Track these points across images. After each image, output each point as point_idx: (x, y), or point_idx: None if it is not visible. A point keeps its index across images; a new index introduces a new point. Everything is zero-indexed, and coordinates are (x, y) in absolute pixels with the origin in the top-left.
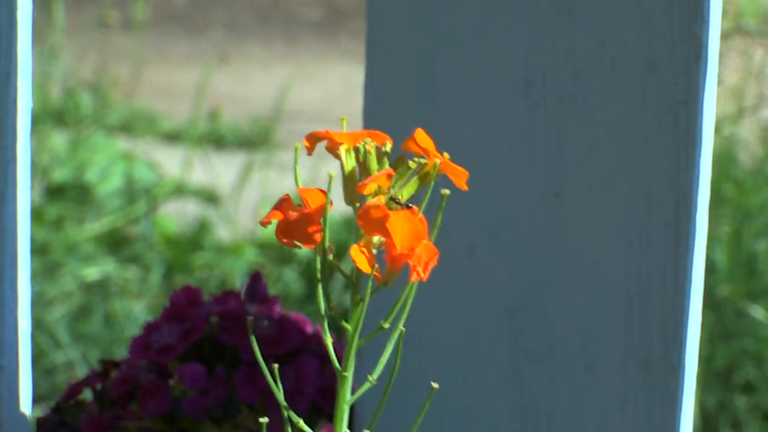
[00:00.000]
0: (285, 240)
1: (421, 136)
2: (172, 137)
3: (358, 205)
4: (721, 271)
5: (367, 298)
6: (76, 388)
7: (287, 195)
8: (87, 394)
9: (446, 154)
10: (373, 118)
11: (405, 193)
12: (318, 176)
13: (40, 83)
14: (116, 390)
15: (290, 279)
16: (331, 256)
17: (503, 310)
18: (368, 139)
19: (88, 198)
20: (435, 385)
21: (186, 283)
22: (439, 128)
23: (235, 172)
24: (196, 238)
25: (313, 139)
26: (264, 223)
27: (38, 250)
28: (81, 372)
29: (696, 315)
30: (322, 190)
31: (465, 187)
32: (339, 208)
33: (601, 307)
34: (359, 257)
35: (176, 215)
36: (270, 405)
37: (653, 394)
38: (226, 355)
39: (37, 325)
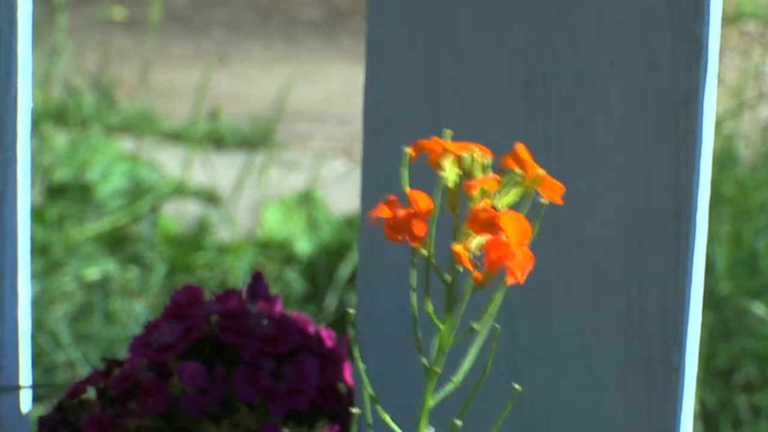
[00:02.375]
0: (392, 235)
1: (521, 151)
2: (172, 137)
3: (458, 211)
4: (722, 270)
5: (467, 298)
6: (79, 387)
7: (393, 196)
8: (90, 393)
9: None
10: (373, 118)
11: (503, 203)
12: (318, 176)
13: (41, 83)
14: (116, 388)
15: (291, 279)
16: (432, 258)
17: (502, 309)
18: (476, 149)
19: (88, 198)
20: (518, 387)
21: (187, 283)
22: (439, 128)
23: (235, 172)
24: (196, 238)
25: (419, 148)
26: (372, 218)
27: (39, 250)
28: (82, 372)
29: (696, 315)
30: (428, 196)
31: (560, 201)
32: (340, 208)
33: (601, 306)
34: (464, 256)
35: (177, 215)
36: (270, 404)
37: (653, 394)
38: (227, 354)
39: (38, 325)
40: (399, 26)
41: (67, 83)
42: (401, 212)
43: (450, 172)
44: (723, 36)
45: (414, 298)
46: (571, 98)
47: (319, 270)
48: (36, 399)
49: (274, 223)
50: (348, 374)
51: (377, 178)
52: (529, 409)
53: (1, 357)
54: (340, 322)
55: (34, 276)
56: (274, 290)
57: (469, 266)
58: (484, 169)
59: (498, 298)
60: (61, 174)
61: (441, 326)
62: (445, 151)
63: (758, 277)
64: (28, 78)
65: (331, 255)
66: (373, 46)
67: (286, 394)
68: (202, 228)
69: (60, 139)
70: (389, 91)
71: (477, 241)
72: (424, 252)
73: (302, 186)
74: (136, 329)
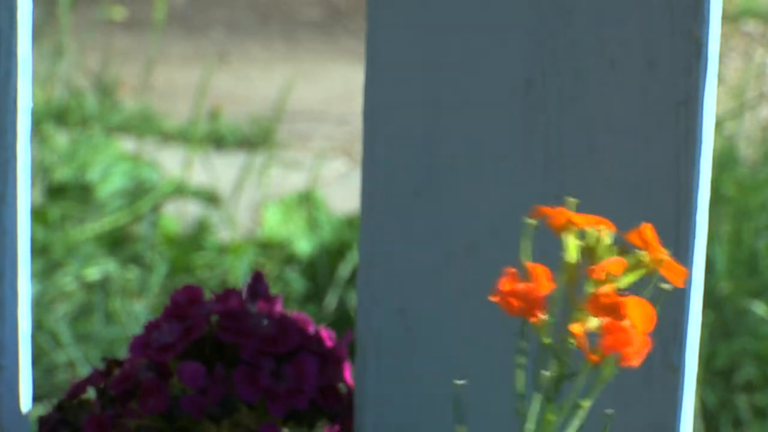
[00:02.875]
0: (510, 307)
1: (647, 231)
2: (172, 137)
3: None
4: (722, 270)
5: (582, 378)
6: (79, 387)
7: (512, 269)
8: (90, 393)
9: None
10: (373, 118)
11: (624, 282)
12: (318, 176)
13: (42, 83)
14: (116, 388)
15: (291, 279)
16: (548, 339)
17: (503, 311)
18: (603, 227)
19: (89, 198)
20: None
21: (187, 283)
22: (439, 128)
23: (235, 172)
24: (196, 238)
25: (541, 215)
26: (496, 298)
27: (39, 250)
28: (82, 372)
29: (696, 315)
30: (547, 269)
31: (682, 285)
32: (340, 208)
33: None
34: (581, 336)
35: (177, 215)
36: (270, 404)
37: (653, 394)
38: (227, 354)
39: (38, 325)
40: (399, 26)
41: (69, 83)
42: (521, 286)
43: (572, 249)
44: (723, 36)
45: (521, 374)
46: (571, 98)
47: (320, 270)
48: (36, 399)
49: (274, 223)
50: (348, 374)
51: (377, 178)
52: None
53: (1, 357)
54: (340, 322)
55: (35, 276)
56: (274, 290)
57: (585, 348)
58: (607, 247)
59: (606, 377)
60: (62, 174)
61: (549, 403)
62: (569, 222)
63: (758, 276)
64: (28, 78)
65: (331, 255)
66: (373, 46)
67: (286, 394)
68: (202, 228)
69: (61, 139)
70: (389, 91)
71: (594, 321)
72: (542, 331)
73: (302, 186)
74: (136, 329)
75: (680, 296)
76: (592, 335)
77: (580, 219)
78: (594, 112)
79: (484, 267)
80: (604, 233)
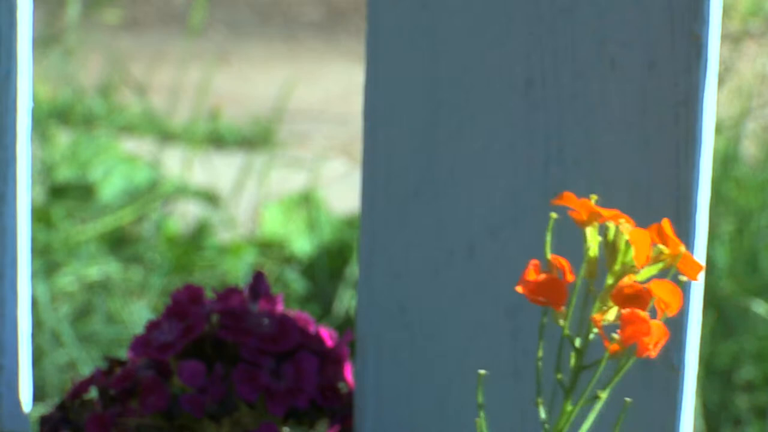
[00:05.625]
0: (533, 297)
1: (666, 226)
2: (173, 137)
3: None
4: (723, 269)
5: (601, 367)
6: (81, 387)
7: (536, 260)
8: (92, 393)
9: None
10: (373, 118)
11: (643, 276)
12: (318, 176)
13: (45, 83)
14: (116, 387)
15: (291, 279)
16: (567, 329)
17: (503, 310)
18: (623, 221)
19: (90, 198)
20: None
21: (188, 282)
22: (439, 128)
23: (235, 172)
24: (196, 238)
25: (569, 200)
26: (521, 287)
27: (40, 250)
28: (83, 371)
29: (696, 314)
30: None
31: (697, 279)
32: (340, 208)
33: None
34: (601, 324)
35: (177, 215)
36: (269, 402)
37: (653, 394)
38: (227, 353)
39: (38, 325)
40: (399, 26)
41: (72, 83)
42: (543, 277)
43: (593, 242)
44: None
45: (540, 363)
46: (571, 98)
47: (319, 270)
48: (36, 399)
49: (274, 223)
50: (349, 374)
51: (377, 178)
52: (530, 410)
53: (1, 357)
54: (343, 323)
55: (35, 276)
56: (274, 290)
57: (605, 338)
58: (627, 241)
59: (625, 368)
60: (63, 174)
61: (567, 392)
62: (593, 215)
63: (759, 276)
64: (28, 78)
65: (331, 255)
66: (373, 46)
67: (286, 393)
68: (202, 228)
69: (63, 138)
70: (389, 91)
71: (613, 312)
72: (561, 321)
73: (302, 186)
74: (137, 329)
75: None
76: (610, 328)
77: (605, 212)
78: (594, 112)
79: (483, 267)
80: (624, 227)
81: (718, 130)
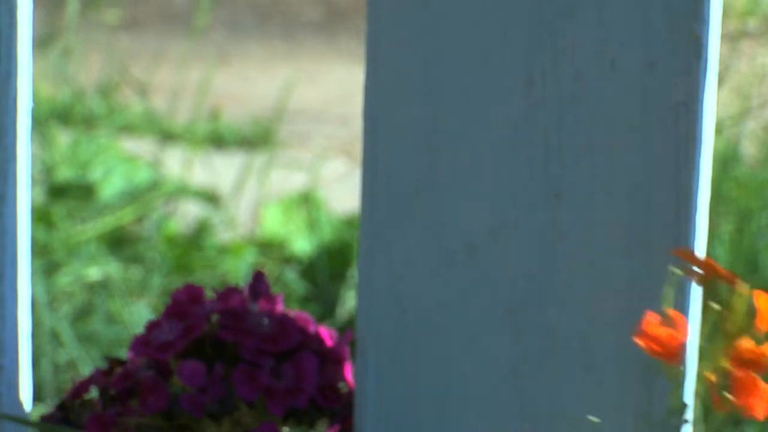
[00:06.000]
0: (650, 349)
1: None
2: (173, 137)
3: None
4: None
5: (716, 420)
6: (81, 387)
7: (655, 314)
8: (93, 393)
9: None
10: (373, 118)
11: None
12: (318, 176)
13: (46, 83)
14: (116, 387)
15: (291, 279)
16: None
17: (503, 310)
18: (739, 281)
19: (90, 198)
20: None
21: (188, 282)
22: (439, 128)
23: (235, 172)
24: (196, 238)
25: (694, 261)
26: (640, 339)
27: (40, 250)
28: (83, 371)
29: (696, 314)
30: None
31: None
32: (340, 208)
33: (601, 306)
34: (713, 383)
35: (177, 215)
36: (269, 402)
37: (653, 394)
38: (227, 353)
39: (38, 325)
40: (399, 26)
41: (72, 83)
42: (663, 332)
43: (739, 306)
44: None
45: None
46: (571, 98)
47: (320, 270)
48: (37, 399)
49: (274, 223)
50: (349, 374)
51: (377, 178)
52: (530, 410)
53: (1, 357)
54: (343, 323)
55: (35, 276)
56: (274, 290)
57: (715, 395)
58: (745, 303)
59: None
60: (64, 174)
61: None
62: (711, 272)
63: (759, 276)
64: (28, 78)
65: (331, 255)
66: (373, 46)
67: (286, 392)
68: (202, 228)
69: (64, 139)
70: (389, 91)
71: (726, 367)
72: (675, 377)
73: (302, 186)
74: (137, 329)
75: (681, 296)
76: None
77: (722, 272)
78: (594, 112)
79: (484, 267)
80: (742, 289)
81: (718, 130)
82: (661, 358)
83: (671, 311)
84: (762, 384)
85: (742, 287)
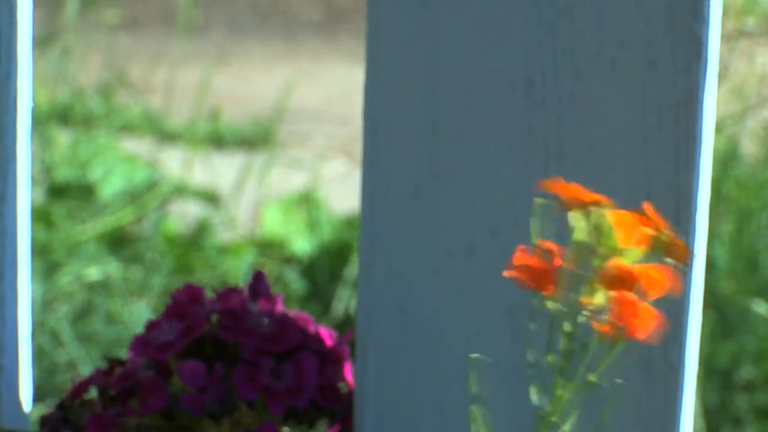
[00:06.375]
0: (527, 283)
1: (649, 210)
2: (173, 137)
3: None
4: (723, 269)
5: (591, 350)
6: (81, 387)
7: (523, 246)
8: (92, 393)
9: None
10: (373, 118)
11: (629, 258)
12: (318, 176)
13: (46, 83)
14: (116, 387)
15: (291, 279)
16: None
17: (503, 310)
18: (606, 204)
19: (90, 198)
20: None
21: (188, 282)
22: (439, 128)
23: (235, 172)
24: (196, 238)
25: (555, 188)
26: (511, 267)
27: (40, 250)
28: (83, 371)
29: (696, 314)
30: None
31: (684, 264)
32: (340, 208)
33: None
34: (589, 307)
35: (177, 215)
36: (269, 402)
37: (653, 394)
38: (227, 353)
39: (39, 325)
40: (399, 26)
41: (72, 84)
42: (534, 261)
43: (579, 225)
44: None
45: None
46: (571, 98)
47: (319, 270)
48: (37, 399)
49: (274, 223)
50: (349, 374)
51: (377, 178)
52: (530, 410)
53: (1, 357)
54: (343, 323)
55: (35, 276)
56: (274, 290)
57: (594, 320)
58: (610, 226)
59: (614, 353)
60: (63, 174)
61: (559, 377)
62: (576, 200)
63: (759, 276)
64: (28, 78)
65: (331, 255)
66: (373, 46)
67: (286, 392)
68: (202, 228)
69: (63, 139)
70: (389, 91)
71: (601, 295)
72: (551, 304)
73: (302, 186)
74: (137, 329)
75: (680, 296)
76: (600, 311)
77: (586, 195)
78: (594, 112)
79: (483, 267)
80: (607, 209)
81: (718, 129)
82: (535, 288)
83: (539, 241)
84: (640, 303)
85: (608, 206)
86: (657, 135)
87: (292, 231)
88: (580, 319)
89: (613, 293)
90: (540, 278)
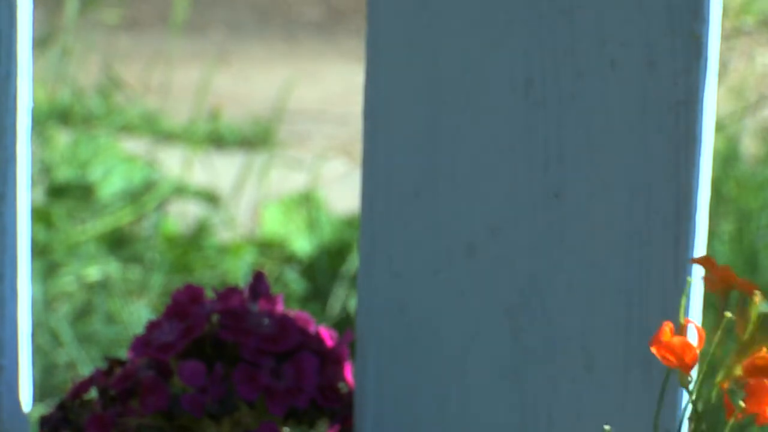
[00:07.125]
0: (663, 356)
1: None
2: (173, 137)
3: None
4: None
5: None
6: (81, 387)
7: (669, 323)
8: (92, 393)
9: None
10: (373, 118)
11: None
12: (318, 176)
13: (46, 83)
14: (117, 387)
15: (291, 279)
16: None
17: (503, 310)
18: (756, 292)
19: (90, 198)
20: None
21: (188, 282)
22: (439, 128)
23: (235, 172)
24: (196, 238)
25: (713, 269)
26: (655, 347)
27: (40, 250)
28: (83, 372)
29: (696, 315)
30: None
31: None
32: (340, 208)
33: (601, 306)
34: (726, 390)
35: (177, 215)
36: (269, 402)
37: (653, 394)
38: (227, 353)
39: (38, 325)
40: (399, 26)
41: (72, 84)
42: (677, 341)
43: (753, 314)
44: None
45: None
46: (571, 98)
47: (320, 270)
48: (36, 399)
49: (274, 223)
50: (349, 374)
51: (377, 178)
52: (530, 410)
53: (1, 357)
54: (343, 323)
55: (35, 276)
56: (274, 290)
57: (728, 404)
58: (759, 312)
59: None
60: (63, 174)
61: None
62: (724, 282)
63: (759, 276)
64: (28, 78)
65: (331, 255)
66: (373, 46)
67: (286, 392)
68: (202, 228)
69: (63, 139)
70: (389, 91)
71: (737, 375)
72: (685, 382)
73: (302, 186)
74: (137, 329)
75: (680, 296)
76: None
77: (738, 281)
78: (594, 112)
79: (483, 267)
80: (758, 298)
81: (718, 129)
82: (675, 366)
83: (687, 320)
84: None
85: (757, 296)
86: (657, 135)
87: (292, 231)
88: (715, 400)
89: (753, 381)
90: (682, 357)
